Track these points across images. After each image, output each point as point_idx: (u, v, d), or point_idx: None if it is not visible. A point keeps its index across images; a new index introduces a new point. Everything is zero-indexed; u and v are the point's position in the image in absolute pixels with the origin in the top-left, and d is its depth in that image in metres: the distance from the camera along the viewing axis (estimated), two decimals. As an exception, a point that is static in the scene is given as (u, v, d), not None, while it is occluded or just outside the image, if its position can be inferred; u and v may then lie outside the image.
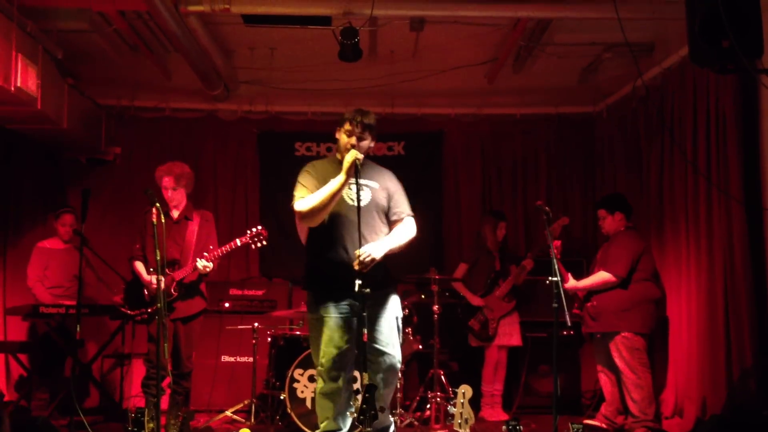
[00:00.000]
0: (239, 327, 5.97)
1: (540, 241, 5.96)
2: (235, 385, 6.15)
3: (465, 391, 4.65)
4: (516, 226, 7.08)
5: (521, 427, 3.84)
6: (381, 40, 6.25)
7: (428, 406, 5.59)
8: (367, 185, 3.87)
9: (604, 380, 5.51)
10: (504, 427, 3.93)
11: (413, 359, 6.11)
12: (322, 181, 3.79)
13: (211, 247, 5.07)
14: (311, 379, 5.13)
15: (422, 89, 6.90)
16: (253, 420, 5.47)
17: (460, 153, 7.27)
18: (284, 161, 7.15)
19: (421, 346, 5.85)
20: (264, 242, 4.92)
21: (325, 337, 3.74)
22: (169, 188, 5.16)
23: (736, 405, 4.66)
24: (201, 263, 4.93)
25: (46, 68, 5.38)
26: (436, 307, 5.69)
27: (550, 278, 4.05)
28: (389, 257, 3.82)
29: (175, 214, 5.22)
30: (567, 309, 3.97)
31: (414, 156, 7.12)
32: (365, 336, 3.43)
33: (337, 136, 3.92)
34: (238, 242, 4.95)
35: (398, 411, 5.38)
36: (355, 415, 3.31)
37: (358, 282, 3.41)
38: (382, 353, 3.75)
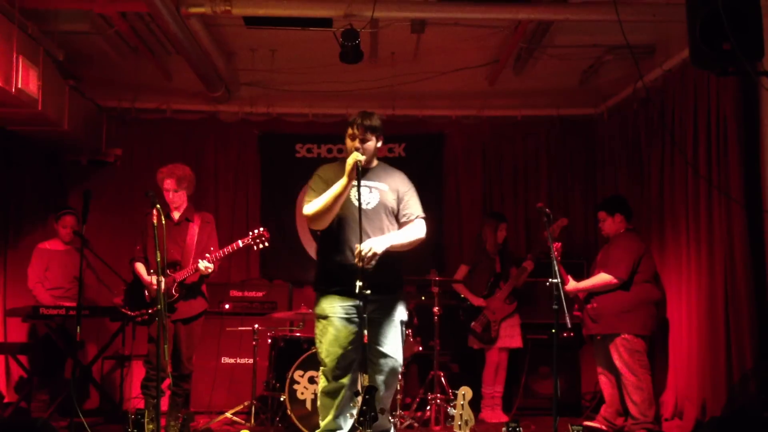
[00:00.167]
0: (239, 328, 5.97)
1: (540, 243, 5.96)
2: (235, 386, 6.14)
3: (465, 392, 4.64)
4: (516, 228, 7.08)
5: (521, 428, 3.85)
6: (382, 42, 6.25)
7: (428, 407, 5.59)
8: (376, 187, 3.90)
9: (604, 382, 5.50)
10: (504, 429, 3.93)
11: (413, 361, 6.11)
12: (331, 185, 3.83)
13: (212, 248, 5.07)
14: (311, 380, 5.13)
15: (423, 91, 6.91)
16: (253, 421, 5.48)
17: (460, 155, 7.28)
18: (285, 163, 7.16)
19: (421, 348, 5.85)
20: (266, 243, 4.93)
21: (330, 337, 3.78)
22: (171, 190, 5.16)
23: (736, 407, 4.66)
24: (203, 264, 4.93)
25: (47, 70, 5.39)
26: (436, 309, 5.69)
27: (550, 280, 4.06)
28: (400, 261, 3.88)
29: (176, 215, 5.22)
30: (567, 311, 3.98)
31: (415, 158, 7.12)
32: (365, 338, 3.45)
33: (346, 140, 3.95)
34: (240, 243, 4.95)
35: (398, 412, 5.38)
36: (355, 416, 3.31)
37: (358, 284, 3.43)
38: (385, 356, 3.80)
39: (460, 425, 4.54)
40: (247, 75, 6.93)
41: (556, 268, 4.08)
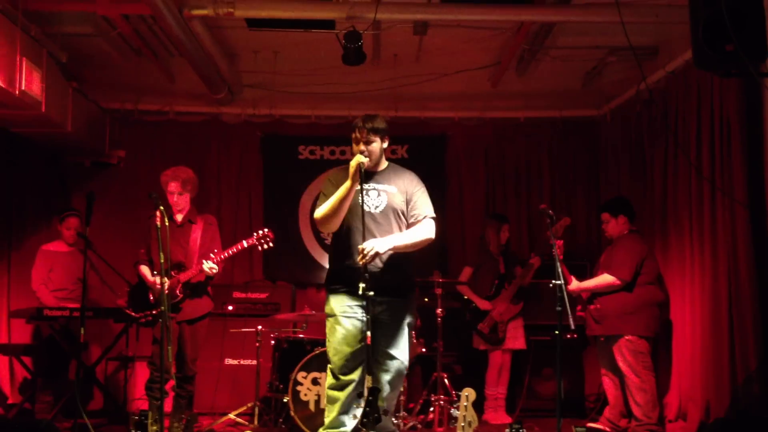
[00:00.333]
0: (243, 330, 5.96)
1: (544, 243, 5.95)
2: (239, 388, 6.15)
3: (468, 394, 4.66)
4: (519, 230, 7.08)
5: (524, 430, 3.86)
6: (384, 43, 6.26)
7: (431, 409, 5.58)
8: (384, 190, 3.95)
9: (608, 383, 5.50)
10: (507, 431, 3.93)
11: (417, 362, 6.10)
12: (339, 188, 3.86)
13: (216, 250, 5.07)
14: (315, 382, 5.13)
15: (426, 93, 6.91)
16: (256, 423, 5.48)
17: (463, 156, 7.28)
18: (288, 164, 7.17)
19: (424, 349, 5.85)
20: (270, 244, 4.96)
21: (338, 335, 3.85)
22: (175, 193, 5.16)
23: (740, 408, 4.65)
24: (207, 265, 4.93)
25: (50, 72, 5.40)
26: (439, 311, 5.69)
27: (553, 281, 4.06)
28: (409, 263, 3.91)
29: (179, 217, 5.22)
30: (570, 312, 3.98)
31: (417, 159, 7.11)
32: (368, 339, 3.47)
33: (352, 144, 3.98)
34: (245, 244, 4.96)
35: (402, 414, 5.38)
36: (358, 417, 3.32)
37: (361, 285, 3.45)
38: (392, 357, 3.87)
39: (463, 427, 4.55)
40: (250, 77, 6.94)
41: (559, 268, 4.08)
